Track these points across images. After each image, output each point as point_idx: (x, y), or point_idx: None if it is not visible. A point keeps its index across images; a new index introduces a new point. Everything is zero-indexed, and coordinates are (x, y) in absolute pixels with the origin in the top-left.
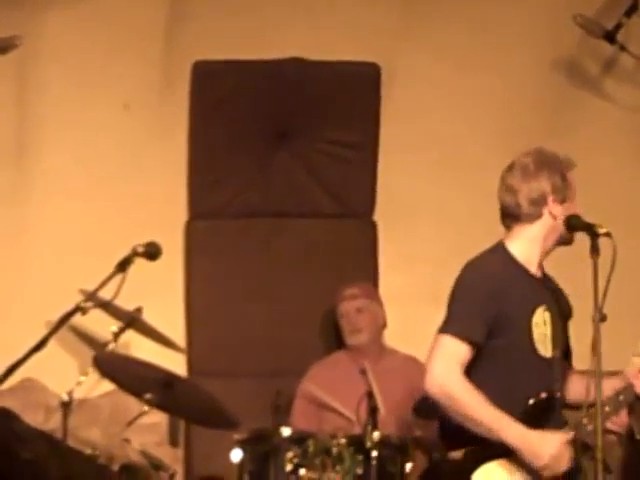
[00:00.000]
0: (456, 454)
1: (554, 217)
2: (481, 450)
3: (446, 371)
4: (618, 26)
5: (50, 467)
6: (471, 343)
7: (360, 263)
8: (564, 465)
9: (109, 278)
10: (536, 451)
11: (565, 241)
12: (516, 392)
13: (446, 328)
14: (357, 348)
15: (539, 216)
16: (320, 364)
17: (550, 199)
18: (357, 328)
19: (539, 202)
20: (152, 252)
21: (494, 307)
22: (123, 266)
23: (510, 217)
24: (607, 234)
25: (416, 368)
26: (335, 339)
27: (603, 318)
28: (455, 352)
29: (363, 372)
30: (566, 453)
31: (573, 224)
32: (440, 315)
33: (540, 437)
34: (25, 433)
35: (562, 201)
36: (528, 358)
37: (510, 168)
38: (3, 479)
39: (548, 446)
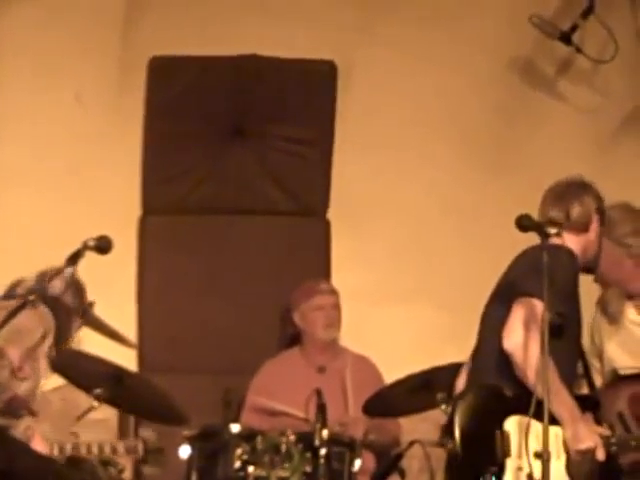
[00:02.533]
0: (508, 391)
1: (595, 235)
2: (527, 401)
3: (528, 332)
4: (574, 27)
5: None
6: (557, 312)
7: (313, 260)
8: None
9: (59, 272)
10: (581, 436)
11: (590, 267)
12: (568, 374)
13: (532, 292)
14: (315, 345)
15: (584, 230)
16: (273, 361)
17: (595, 218)
18: (333, 322)
19: (587, 217)
20: (103, 246)
21: (577, 285)
22: (73, 260)
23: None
24: (557, 234)
25: (367, 367)
26: (287, 336)
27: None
28: (539, 315)
29: (322, 370)
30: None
31: (524, 224)
32: (388, 314)
33: (590, 427)
34: None
35: (602, 223)
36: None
37: (556, 186)
38: None
39: (592, 438)
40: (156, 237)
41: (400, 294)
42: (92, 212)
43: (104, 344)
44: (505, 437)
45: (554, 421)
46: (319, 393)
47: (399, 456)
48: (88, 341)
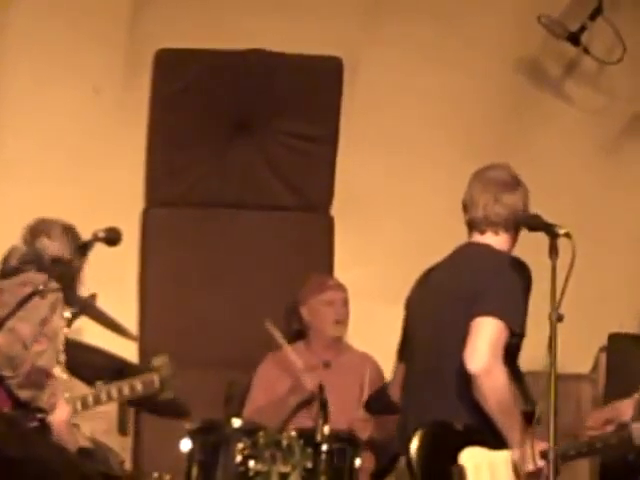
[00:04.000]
0: (458, 424)
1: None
2: (478, 432)
3: (493, 354)
4: (582, 28)
5: (10, 447)
6: (513, 332)
7: (316, 256)
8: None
9: (69, 262)
10: (529, 458)
11: None
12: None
13: (495, 312)
14: (322, 341)
15: (515, 228)
16: (276, 354)
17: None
18: (343, 319)
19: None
20: (112, 238)
21: (527, 303)
22: (83, 250)
23: (491, 224)
24: (566, 235)
25: (370, 365)
26: (290, 331)
27: (560, 318)
28: (501, 337)
29: (327, 365)
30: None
31: (533, 224)
32: (391, 312)
33: (535, 446)
34: None
35: None
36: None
37: (493, 177)
38: None
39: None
40: (159, 230)
41: (403, 291)
42: (96, 205)
43: (105, 336)
44: (461, 471)
45: (502, 445)
46: (321, 389)
47: (398, 454)
48: (89, 333)
